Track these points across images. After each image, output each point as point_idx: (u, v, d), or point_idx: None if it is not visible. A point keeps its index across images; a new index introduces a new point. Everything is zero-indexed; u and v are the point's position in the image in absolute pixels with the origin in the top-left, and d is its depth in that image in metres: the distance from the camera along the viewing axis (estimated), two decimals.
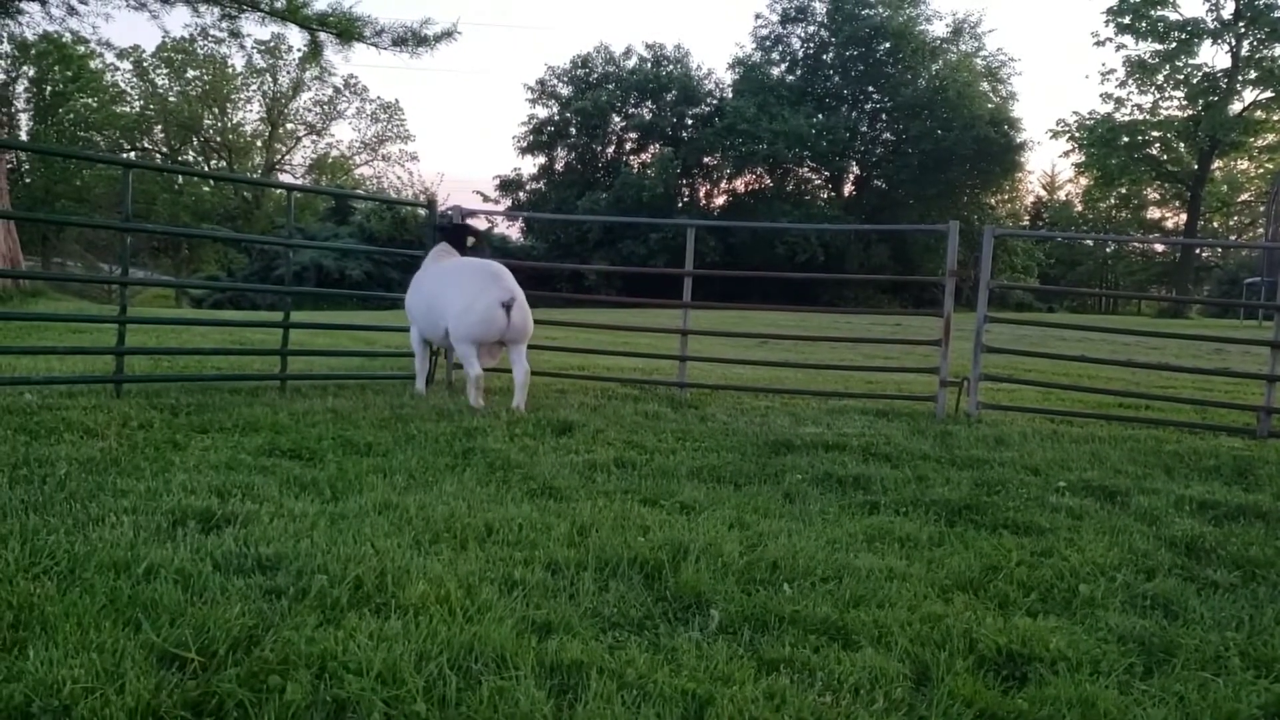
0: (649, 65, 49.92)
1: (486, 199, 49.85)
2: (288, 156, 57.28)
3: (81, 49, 46.95)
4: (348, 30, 19.38)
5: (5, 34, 21.58)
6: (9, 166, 22.65)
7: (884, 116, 49.90)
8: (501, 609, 2.83)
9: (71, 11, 22.91)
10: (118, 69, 52.28)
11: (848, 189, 50.96)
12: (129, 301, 7.45)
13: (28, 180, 46.37)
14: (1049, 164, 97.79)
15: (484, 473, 4.83)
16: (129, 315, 7.18)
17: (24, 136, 46.40)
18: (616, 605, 3.01)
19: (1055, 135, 52.68)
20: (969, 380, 8.05)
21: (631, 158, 49.81)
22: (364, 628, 2.59)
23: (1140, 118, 50.78)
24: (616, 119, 50.03)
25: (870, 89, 49.36)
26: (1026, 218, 55.74)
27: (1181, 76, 49.41)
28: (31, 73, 48.73)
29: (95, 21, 53.01)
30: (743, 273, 11.58)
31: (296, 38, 27.28)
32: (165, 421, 5.73)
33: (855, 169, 50.85)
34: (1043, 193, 60.56)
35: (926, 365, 8.73)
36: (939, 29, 50.74)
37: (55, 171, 45.23)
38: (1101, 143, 50.27)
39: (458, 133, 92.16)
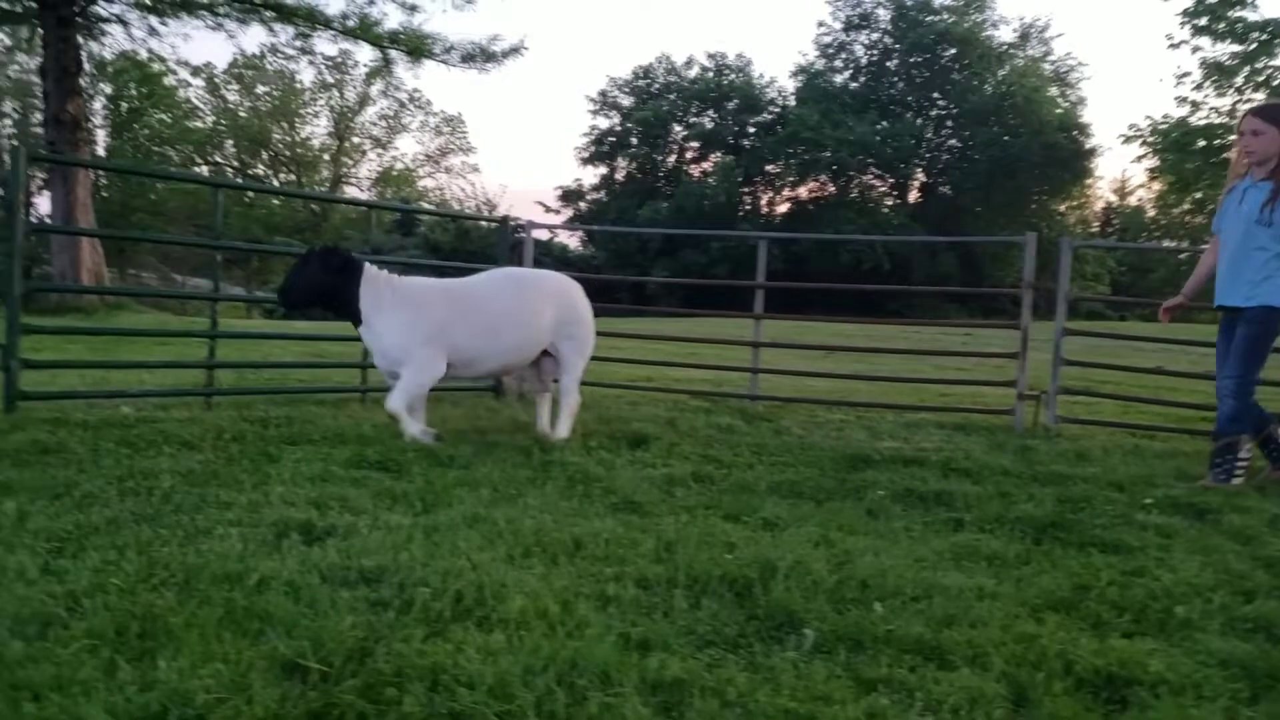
0: (710, 74, 50.00)
1: (548, 209, 50.30)
2: (354, 170, 58.20)
3: (157, 66, 48.21)
4: (418, 48, 19.77)
5: (86, 54, 22.22)
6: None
7: (949, 123, 49.37)
8: (599, 625, 2.89)
9: (152, 32, 23.62)
10: (190, 85, 53.53)
11: (913, 196, 50.49)
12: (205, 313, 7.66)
13: (105, 194, 47.67)
14: (1120, 169, 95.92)
15: (564, 486, 4.90)
16: (218, 329, 7.40)
17: (101, 152, 47.70)
18: (710, 623, 3.05)
19: (1127, 140, 51.38)
20: (1047, 393, 7.97)
21: (692, 166, 49.90)
22: (470, 641, 2.66)
23: (1217, 121, 49.56)
24: (677, 128, 50.16)
25: (935, 95, 48.87)
26: (1096, 224, 54.74)
27: (1262, 79, 48.15)
28: (109, 90, 50.02)
29: (174, 41, 54.35)
30: (815, 285, 11.62)
31: (365, 54, 27.81)
32: (256, 434, 5.90)
33: (921, 176, 50.39)
34: (1113, 198, 59.42)
35: (1001, 378, 8.67)
36: (1005, 34, 50.01)
37: (132, 186, 46.33)
38: (1176, 147, 49.02)
39: (519, 144, 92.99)
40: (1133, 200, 58.76)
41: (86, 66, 27.00)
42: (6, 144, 49.37)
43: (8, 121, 51.80)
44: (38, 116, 48.72)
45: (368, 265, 6.20)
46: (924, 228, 44.37)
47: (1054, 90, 48.70)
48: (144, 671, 2.39)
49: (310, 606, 2.90)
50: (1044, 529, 4.47)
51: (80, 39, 22.28)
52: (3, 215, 6.76)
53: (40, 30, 22.24)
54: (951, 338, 19.04)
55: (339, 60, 52.15)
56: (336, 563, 3.32)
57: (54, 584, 2.99)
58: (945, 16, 47.83)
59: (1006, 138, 45.72)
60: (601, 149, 50.49)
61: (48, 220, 19.92)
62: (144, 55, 32.65)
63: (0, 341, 6.33)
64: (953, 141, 49.70)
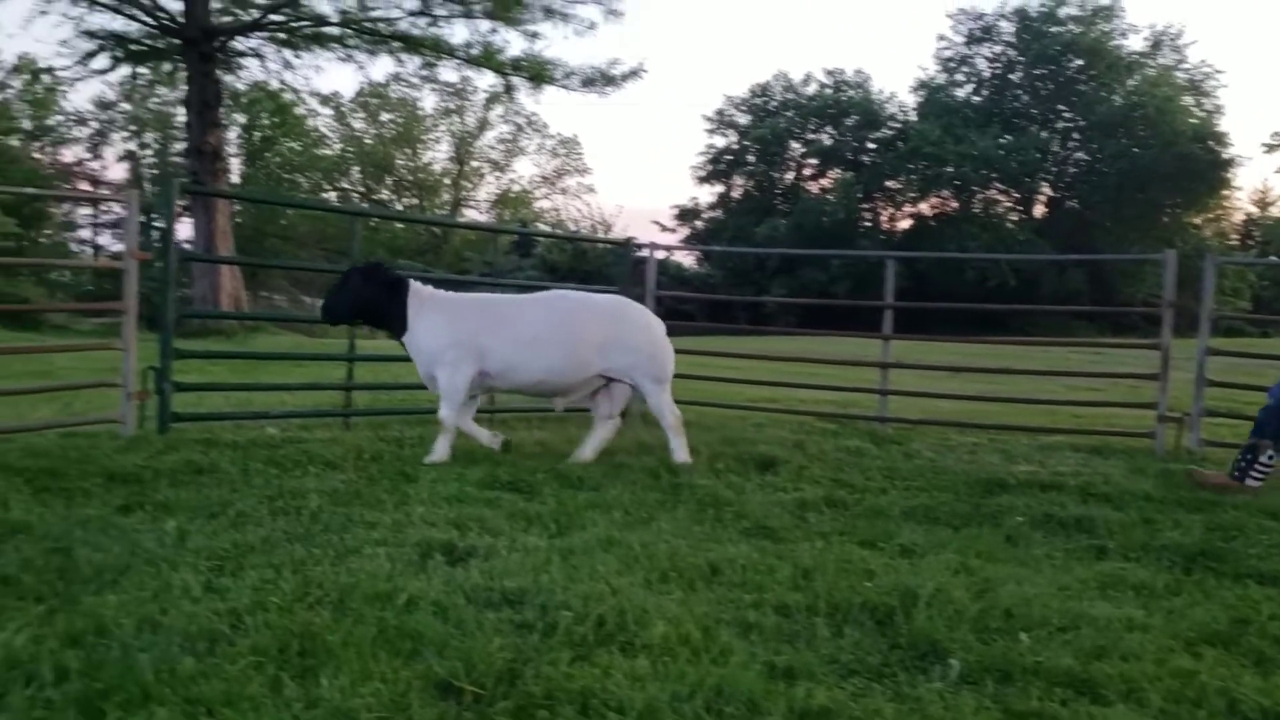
0: (829, 91, 49.61)
1: (664, 229, 50.53)
2: (473, 193, 59.51)
3: (289, 97, 50.27)
4: (540, 74, 20.21)
5: (221, 87, 23.36)
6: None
7: (1076, 135, 47.90)
8: (743, 652, 2.89)
9: (287, 65, 24.65)
10: (319, 114, 55.51)
11: (1039, 211, 49.13)
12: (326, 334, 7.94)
13: (239, 220, 49.75)
14: (1261, 179, 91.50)
15: (695, 510, 4.92)
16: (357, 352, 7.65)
17: (235, 180, 49.83)
18: (853, 651, 3.02)
19: (1270, 149, 49.37)
20: (1189, 415, 7.66)
21: (811, 183, 49.54)
22: (617, 666, 2.70)
23: None
24: (795, 145, 49.88)
25: (1061, 108, 47.50)
26: (1235, 237, 52.38)
27: None
28: (242, 120, 52.20)
29: (307, 73, 56.62)
30: (943, 305, 11.38)
31: (486, 80, 28.56)
32: (393, 454, 6.09)
33: (1047, 190, 49.00)
34: (1254, 210, 56.77)
35: (1137, 399, 8.37)
36: (1135, 43, 48.30)
37: (264, 212, 48.20)
38: None
39: (634, 163, 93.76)
40: (1275, 211, 56.03)
41: (227, 102, 28.34)
42: (148, 174, 51.94)
43: (149, 152, 54.49)
44: (176, 147, 51.23)
45: (414, 281, 6.53)
46: (1050, 243, 43.12)
47: (1188, 99, 46.81)
48: (308, 689, 2.49)
49: (458, 627, 2.98)
50: (1194, 558, 4.30)
51: (219, 73, 23.39)
52: (157, 244, 7.12)
53: (183, 65, 23.44)
54: (1082, 357, 18.44)
55: (460, 86, 53.55)
56: (480, 584, 3.40)
57: (217, 601, 3.13)
58: (1072, 27, 46.47)
59: (1137, 149, 44.13)
60: (718, 167, 50.55)
61: (187, 246, 20.91)
62: (275, 86, 34.04)
63: (154, 365, 6.66)
64: (1080, 154, 48.20)
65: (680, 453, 6.35)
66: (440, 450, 6.14)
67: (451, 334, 6.28)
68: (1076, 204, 47.90)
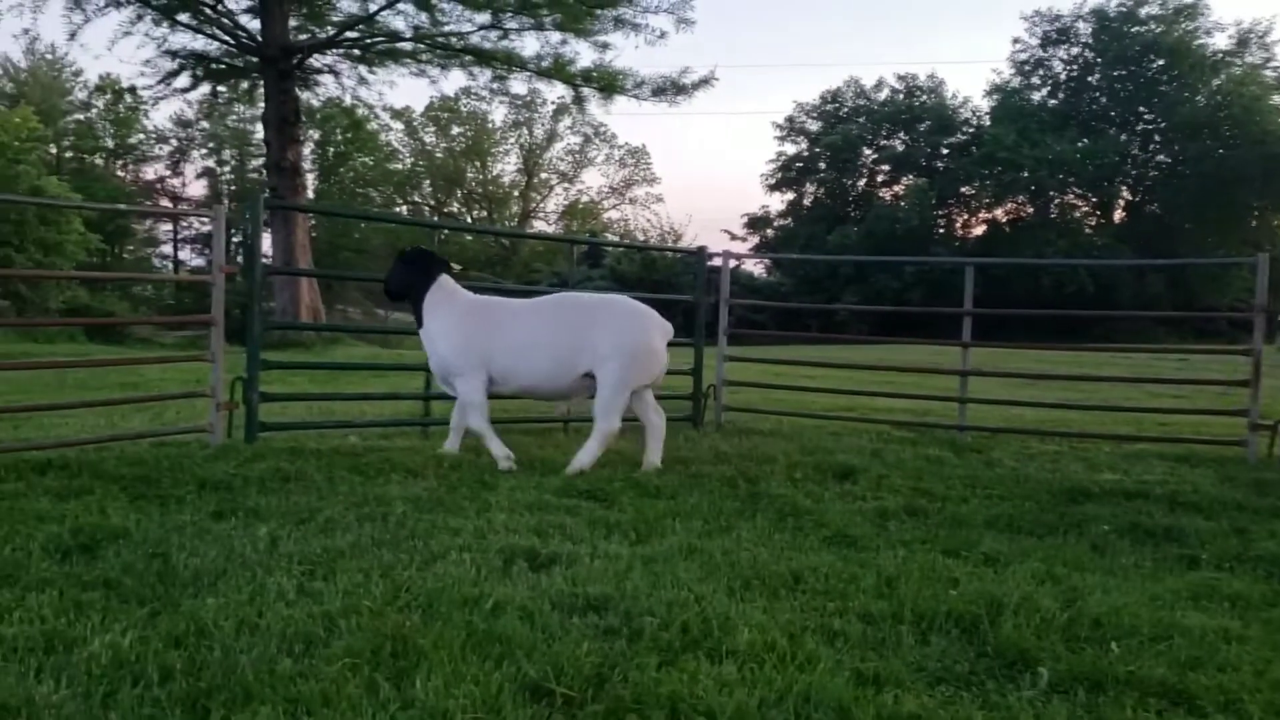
0: (901, 96, 49.18)
1: (734, 237, 50.43)
2: (542, 204, 60.03)
3: (362, 112, 51.28)
4: (610, 85, 20.34)
5: (298, 104, 23.95)
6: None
7: (1157, 138, 46.79)
8: (829, 659, 2.89)
9: (361, 81, 25.15)
10: (391, 129, 56.45)
11: (1118, 215, 48.08)
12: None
13: (313, 234, 50.85)
14: None
15: (775, 519, 4.91)
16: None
17: (311, 195, 50.94)
18: (940, 660, 3.00)
19: None
20: None
21: (883, 190, 49.08)
22: (704, 672, 2.71)
23: None
24: (867, 151, 49.49)
25: (1141, 109, 46.43)
26: None
27: None
28: (316, 136, 53.27)
29: (381, 89, 57.76)
30: (1022, 311, 11.21)
31: (556, 92, 28.85)
32: (472, 462, 6.17)
33: (1126, 194, 47.92)
34: None
35: (1226, 406, 8.16)
36: (1220, 41, 47.00)
37: (338, 226, 49.15)
38: None
39: (703, 171, 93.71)
40: None
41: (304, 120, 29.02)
42: (226, 190, 53.27)
43: (227, 168, 55.89)
44: (253, 163, 52.49)
45: (444, 276, 6.64)
46: (1130, 248, 42.16)
47: (1277, 98, 45.44)
48: (402, 690, 2.54)
49: (545, 632, 3.01)
50: None
51: (296, 90, 23.95)
52: (238, 259, 7.31)
53: (261, 83, 24.05)
54: (1165, 363, 18.03)
55: (529, 99, 54.14)
56: (564, 590, 3.43)
57: (311, 605, 3.21)
58: (1153, 27, 45.42)
59: (1221, 151, 42.94)
60: (789, 174, 50.35)
61: (265, 260, 21.42)
62: (349, 102, 34.77)
63: (241, 376, 6.84)
64: (1161, 157, 47.05)
65: (585, 457, 6.12)
66: (496, 450, 6.27)
67: (451, 345, 6.41)
68: (1157, 208, 46.76)
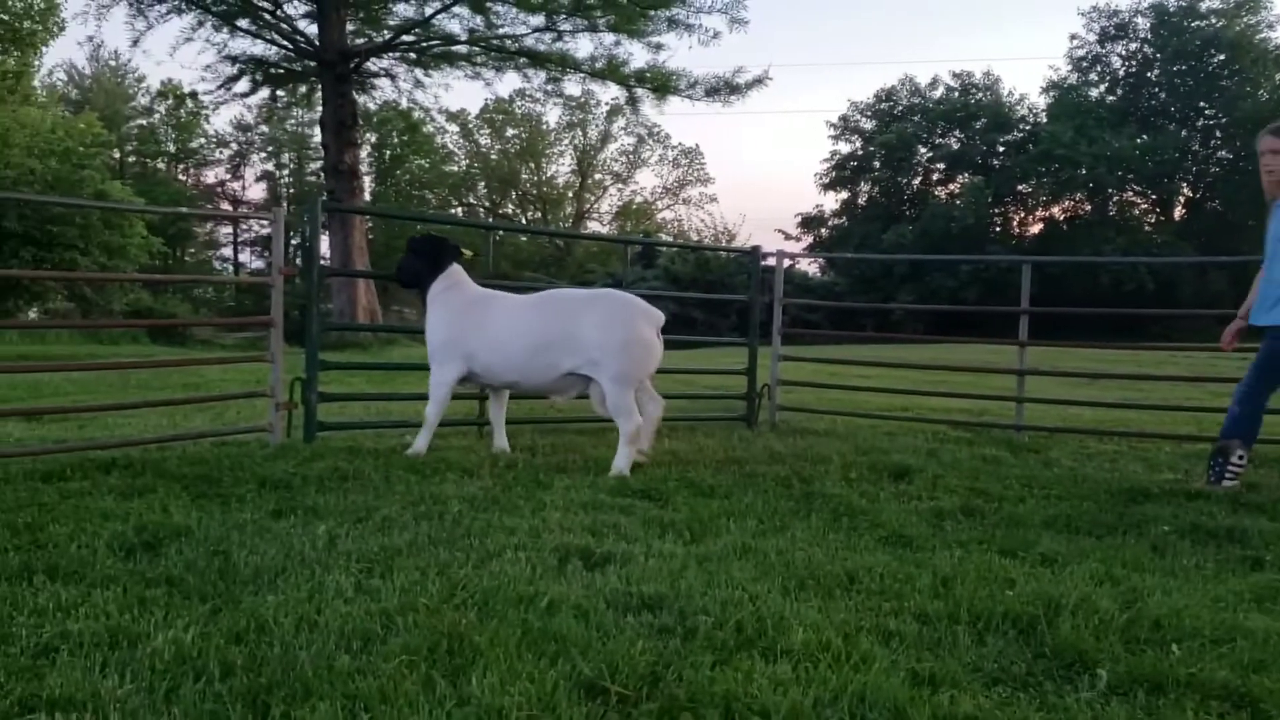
0: (956, 94, 48.73)
1: (788, 236, 50.24)
2: (596, 205, 60.27)
3: (418, 114, 51.84)
4: (664, 85, 20.36)
5: (356, 108, 24.29)
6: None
7: (1219, 134, 45.86)
8: (884, 660, 2.87)
9: (417, 84, 25.43)
10: (446, 131, 57.02)
11: (1178, 212, 47.18)
12: None
13: (370, 236, 51.50)
14: None
15: (829, 519, 4.88)
16: None
17: (367, 197, 51.59)
18: (996, 660, 2.97)
19: None
20: None
21: (939, 188, 48.66)
22: (758, 671, 2.70)
23: None
24: (922, 150, 49.10)
25: (1202, 105, 45.56)
26: None
27: None
28: (373, 139, 53.94)
29: (437, 91, 58.39)
30: (1080, 309, 11.04)
31: (608, 93, 28.94)
32: (527, 462, 6.21)
33: (1186, 191, 47.03)
34: None
35: None
36: None
37: (393, 228, 49.81)
38: None
39: (757, 171, 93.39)
40: None
41: (360, 123, 29.40)
42: (285, 192, 54.11)
43: (285, 172, 56.74)
44: (310, 166, 53.26)
45: (454, 266, 6.73)
46: (1191, 245, 41.38)
47: None
48: (458, 687, 2.57)
49: (599, 630, 3.02)
50: None
51: (354, 94, 24.28)
52: (301, 260, 7.42)
53: (319, 87, 24.41)
54: (1227, 361, 17.63)
55: (583, 100, 54.38)
56: (619, 588, 3.45)
57: (369, 602, 3.25)
58: (1214, 21, 44.56)
59: None
60: (843, 173, 50.11)
61: (323, 262, 21.72)
62: (406, 105, 35.15)
63: (300, 376, 6.95)
64: (1223, 153, 46.11)
65: (620, 462, 6.02)
66: (419, 444, 6.42)
67: (438, 336, 6.56)
68: (1218, 204, 45.82)
